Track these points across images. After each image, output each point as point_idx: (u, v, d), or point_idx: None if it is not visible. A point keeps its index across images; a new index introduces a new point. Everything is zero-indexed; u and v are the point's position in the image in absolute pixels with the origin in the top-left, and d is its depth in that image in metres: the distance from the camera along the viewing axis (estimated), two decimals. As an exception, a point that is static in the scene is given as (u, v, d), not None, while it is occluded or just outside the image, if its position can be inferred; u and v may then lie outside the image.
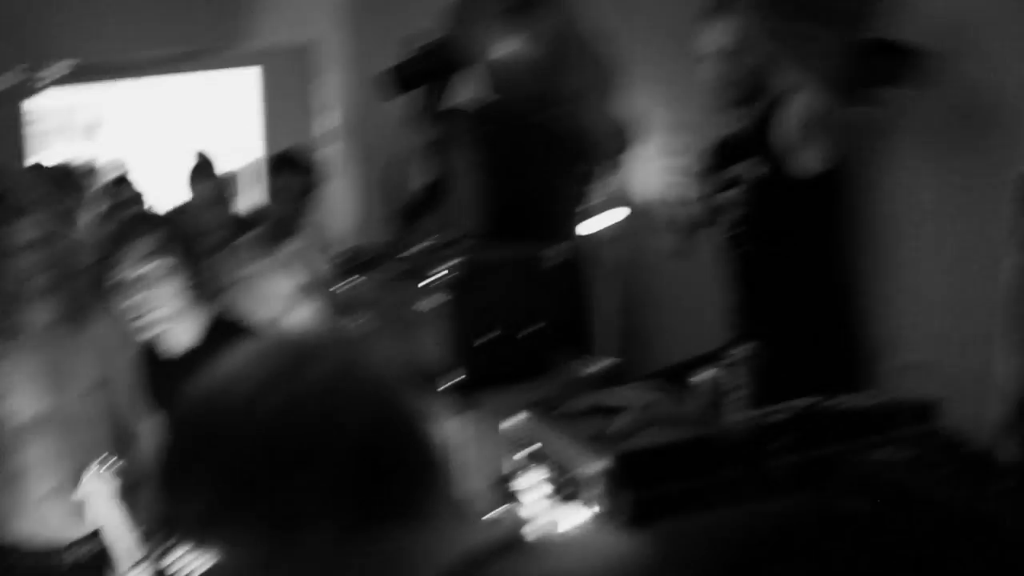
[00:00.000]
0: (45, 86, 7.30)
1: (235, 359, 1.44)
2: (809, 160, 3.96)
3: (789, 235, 4.06)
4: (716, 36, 4.01)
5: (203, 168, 5.27)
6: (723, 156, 4.28)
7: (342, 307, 4.62)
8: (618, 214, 5.31)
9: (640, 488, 3.20)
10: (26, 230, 4.43)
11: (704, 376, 3.77)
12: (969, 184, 3.87)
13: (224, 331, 3.75)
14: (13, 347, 4.39)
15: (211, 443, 1.39)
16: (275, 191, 5.64)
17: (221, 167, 6.02)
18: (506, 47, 5.10)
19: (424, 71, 4.93)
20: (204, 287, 3.77)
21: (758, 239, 4.13)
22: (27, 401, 4.35)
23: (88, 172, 7.93)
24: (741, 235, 4.17)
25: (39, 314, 4.38)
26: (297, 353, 1.43)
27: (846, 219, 4.15)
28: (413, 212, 5.14)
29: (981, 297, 3.60)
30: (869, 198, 4.23)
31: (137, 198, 6.11)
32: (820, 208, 4.05)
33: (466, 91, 5.27)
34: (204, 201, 4.67)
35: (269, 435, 1.36)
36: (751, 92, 4.07)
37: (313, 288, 5.37)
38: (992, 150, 3.76)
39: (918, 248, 4.06)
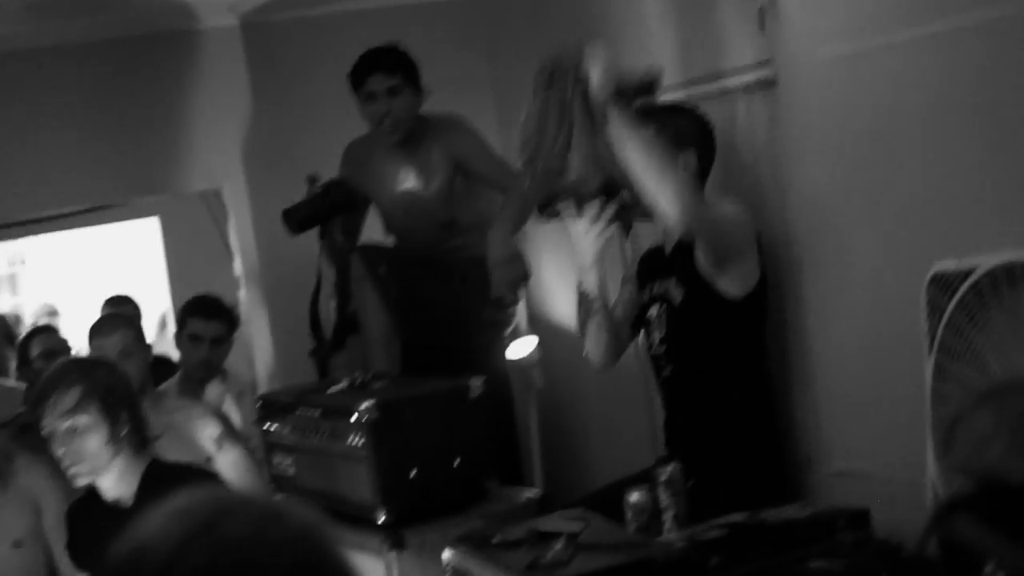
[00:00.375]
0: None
1: (154, 518, 1.41)
2: (727, 285, 4.00)
3: (711, 354, 4.08)
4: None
5: (112, 319, 5.22)
6: (646, 269, 4.30)
7: (266, 450, 4.57)
8: (530, 340, 5.34)
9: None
10: None
11: (635, 498, 3.77)
12: (885, 286, 3.91)
13: (160, 478, 3.71)
14: None
15: None
16: (188, 337, 5.59)
17: (131, 314, 5.97)
18: (400, 182, 5.16)
19: (314, 213, 4.97)
20: (133, 436, 3.74)
21: (680, 359, 4.15)
22: None
23: (14, 321, 7.87)
24: (663, 355, 4.19)
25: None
26: (215, 508, 1.40)
27: (767, 332, 4.18)
28: (326, 352, 5.12)
29: (909, 400, 3.63)
30: (788, 308, 4.28)
31: (63, 346, 6.05)
32: (741, 326, 4.08)
33: (366, 228, 5.30)
34: (121, 350, 4.62)
35: None
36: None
37: (234, 433, 5.31)
38: (904, 247, 3.82)
39: (842, 354, 4.10)
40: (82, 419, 3.66)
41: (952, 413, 2.53)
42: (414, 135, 5.10)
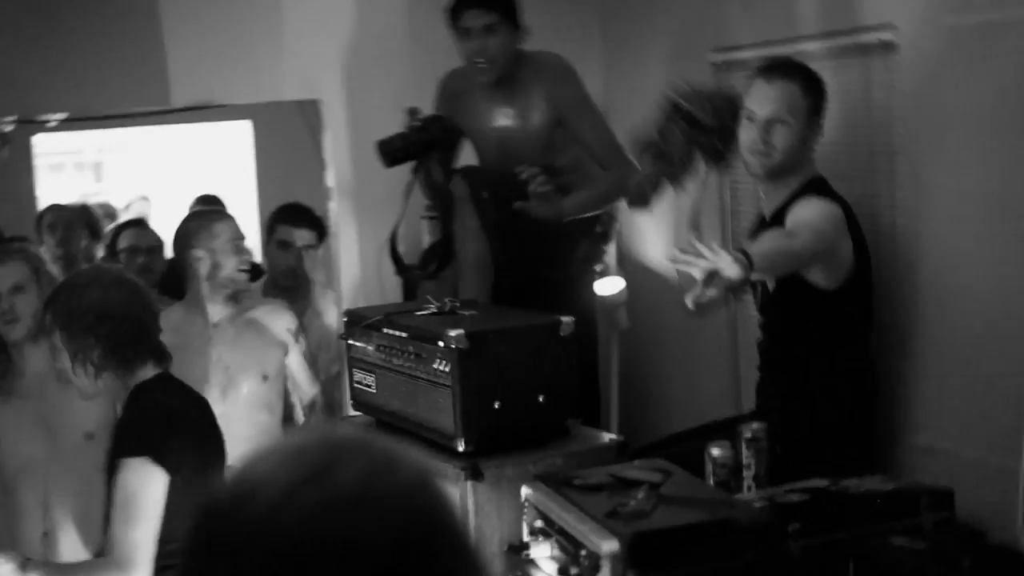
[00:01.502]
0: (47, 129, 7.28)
1: (262, 458, 1.40)
2: (817, 278, 3.96)
3: (806, 339, 4.06)
4: None
5: (7, 250, 5.08)
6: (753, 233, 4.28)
7: (348, 365, 4.58)
8: (618, 280, 5.31)
9: (654, 571, 3.17)
10: (17, 270, 4.41)
11: (717, 452, 3.76)
12: (998, 264, 3.86)
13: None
14: (10, 391, 4.37)
15: (233, 550, 1.34)
16: (277, 243, 5.61)
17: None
18: (495, 120, 5.09)
19: (409, 147, 4.92)
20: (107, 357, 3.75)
21: (774, 337, 4.14)
22: (25, 445, 4.32)
23: (102, 214, 7.93)
24: (761, 325, 4.18)
25: (33, 356, 4.36)
26: (328, 454, 1.38)
27: (872, 311, 4.13)
28: (417, 273, 5.11)
29: (1005, 387, 3.59)
30: (896, 281, 4.23)
31: (155, 241, 6.10)
32: (836, 315, 4.04)
33: (465, 159, 5.27)
34: (13, 284, 4.51)
35: (294, 546, 1.31)
36: None
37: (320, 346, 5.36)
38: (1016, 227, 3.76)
39: (950, 330, 4.05)
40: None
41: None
42: (513, 73, 5.03)
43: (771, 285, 4.05)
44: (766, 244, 3.81)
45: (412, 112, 5.00)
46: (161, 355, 3.78)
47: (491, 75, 4.98)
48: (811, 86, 4.07)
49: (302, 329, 5.14)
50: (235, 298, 4.89)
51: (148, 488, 3.48)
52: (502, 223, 4.92)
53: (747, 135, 4.06)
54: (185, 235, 4.86)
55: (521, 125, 5.07)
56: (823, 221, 3.91)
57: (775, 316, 4.13)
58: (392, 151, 4.93)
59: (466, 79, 5.13)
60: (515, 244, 4.93)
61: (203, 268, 4.79)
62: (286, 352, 5.00)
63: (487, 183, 5.00)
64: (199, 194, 7.46)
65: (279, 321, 5.00)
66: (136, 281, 3.87)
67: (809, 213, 3.93)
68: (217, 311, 4.84)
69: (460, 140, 5.17)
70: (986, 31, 3.83)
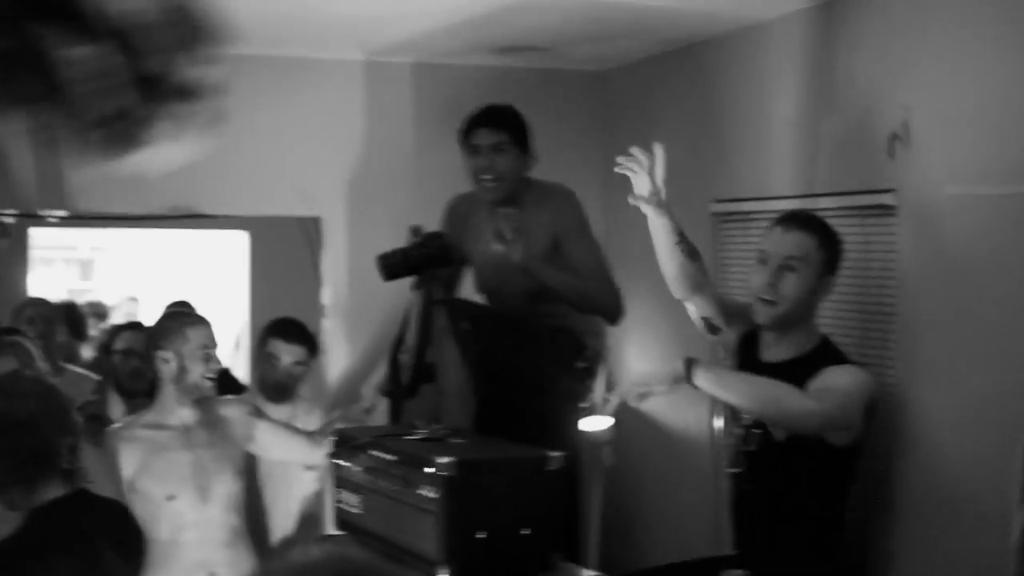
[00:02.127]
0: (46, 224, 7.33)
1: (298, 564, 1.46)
2: (835, 438, 3.97)
3: (802, 490, 4.06)
4: None
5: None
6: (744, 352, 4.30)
7: (335, 484, 4.59)
8: (607, 417, 5.34)
9: None
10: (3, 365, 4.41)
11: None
12: (983, 430, 3.91)
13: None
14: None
15: None
16: (267, 356, 5.62)
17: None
18: (495, 244, 5.15)
19: (408, 262, 4.99)
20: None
21: (764, 484, 4.14)
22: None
23: (90, 310, 7.96)
24: (745, 471, 4.18)
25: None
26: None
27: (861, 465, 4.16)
28: (401, 396, 5.14)
29: (991, 546, 3.63)
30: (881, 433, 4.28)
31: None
32: (840, 468, 4.04)
33: (460, 286, 5.33)
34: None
35: None
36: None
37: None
38: (1007, 398, 3.82)
39: (931, 488, 4.10)
40: None
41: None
42: (518, 197, 5.11)
43: (779, 436, 4.05)
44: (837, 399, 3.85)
45: (415, 230, 5.07)
46: (69, 476, 3.45)
47: (497, 192, 5.06)
48: (828, 242, 4.08)
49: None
50: (201, 403, 4.85)
51: None
52: (482, 355, 4.98)
53: (757, 278, 4.07)
54: (155, 335, 4.86)
55: (522, 252, 5.11)
56: (861, 389, 3.93)
57: (776, 465, 4.10)
58: (391, 265, 4.99)
59: (473, 201, 5.21)
60: (496, 376, 4.98)
61: (168, 371, 4.77)
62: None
63: (468, 314, 5.06)
64: (172, 300, 7.48)
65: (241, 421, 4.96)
66: (50, 392, 3.57)
67: (847, 383, 3.91)
68: (185, 414, 4.81)
69: (461, 261, 5.24)
70: (987, 203, 3.92)
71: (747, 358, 4.25)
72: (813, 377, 3.89)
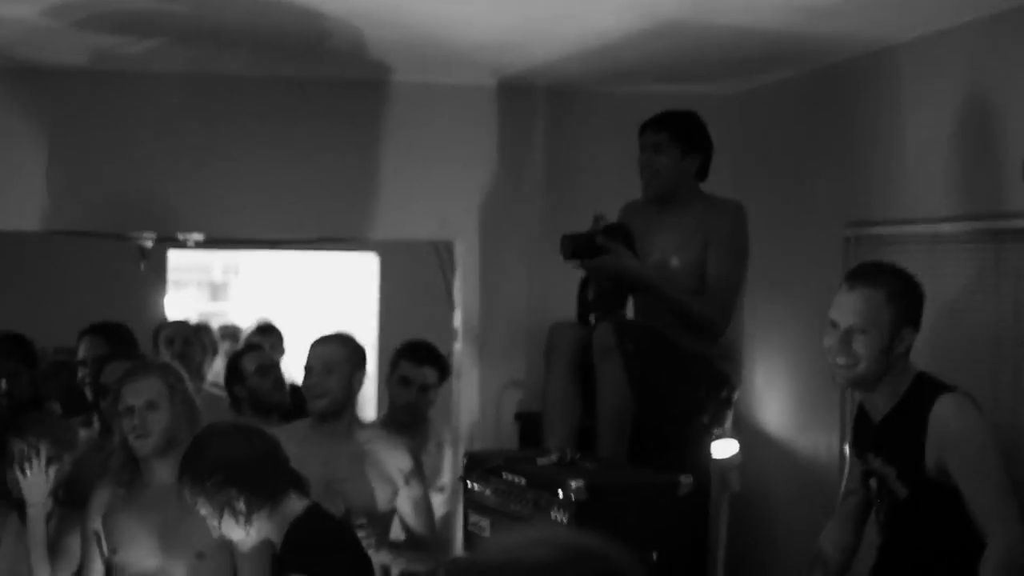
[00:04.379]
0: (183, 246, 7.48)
1: (514, 542, 1.53)
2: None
3: (933, 541, 3.94)
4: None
5: (145, 366, 5.16)
6: (858, 437, 4.21)
7: (465, 506, 4.63)
8: (732, 443, 5.34)
9: None
10: (153, 387, 4.50)
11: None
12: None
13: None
14: (134, 500, 4.45)
15: None
16: (399, 379, 5.68)
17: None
18: (654, 247, 5.11)
19: (589, 244, 4.98)
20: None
21: (897, 540, 4.03)
22: (140, 556, 4.40)
23: (223, 333, 8.09)
24: (882, 523, 4.08)
25: (160, 470, 4.45)
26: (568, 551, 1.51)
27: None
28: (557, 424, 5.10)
29: None
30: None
31: (274, 360, 6.21)
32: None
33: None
34: (147, 400, 4.60)
35: None
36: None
37: (422, 473, 5.36)
38: None
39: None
40: None
41: None
42: (683, 201, 5.10)
43: (902, 494, 3.94)
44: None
45: (598, 218, 5.10)
46: (299, 482, 3.96)
47: (652, 189, 5.09)
48: (898, 292, 3.89)
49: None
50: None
51: None
52: (644, 379, 4.92)
53: (828, 341, 3.92)
54: None
55: (678, 257, 5.07)
56: (989, 442, 3.81)
57: (900, 523, 3.98)
58: (573, 244, 5.00)
59: (639, 210, 5.22)
60: (652, 401, 4.94)
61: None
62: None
63: (632, 336, 4.98)
64: (259, 322, 7.58)
65: (396, 461, 4.98)
66: (247, 424, 4.12)
67: (974, 442, 3.78)
68: None
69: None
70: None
71: (860, 422, 4.17)
72: (923, 419, 3.80)
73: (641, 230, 5.14)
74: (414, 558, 4.67)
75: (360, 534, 4.34)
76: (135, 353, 5.97)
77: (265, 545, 4.02)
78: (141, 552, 4.42)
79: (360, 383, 4.93)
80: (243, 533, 3.88)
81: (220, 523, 3.85)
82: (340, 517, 4.19)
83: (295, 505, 3.91)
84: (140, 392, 4.47)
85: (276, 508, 3.88)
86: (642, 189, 5.14)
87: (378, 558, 4.55)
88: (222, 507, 3.82)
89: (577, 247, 4.99)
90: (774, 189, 6.05)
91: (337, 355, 4.86)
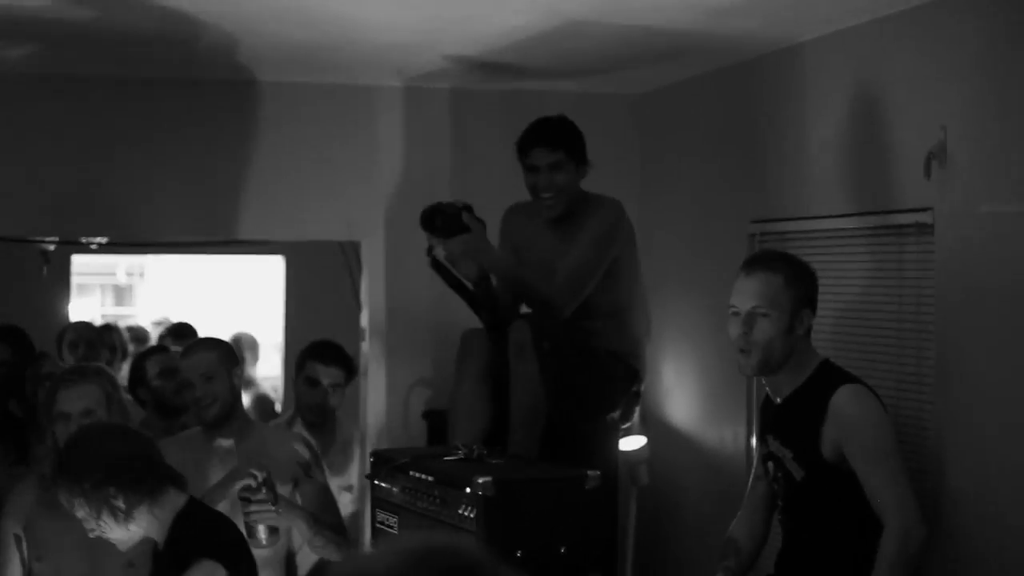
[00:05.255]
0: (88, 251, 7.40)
1: (364, 555, 1.55)
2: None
3: (831, 521, 4.00)
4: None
5: (83, 371, 5.12)
6: (762, 419, 4.28)
7: (372, 504, 4.61)
8: (642, 438, 5.37)
9: None
10: (91, 394, 4.43)
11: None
12: None
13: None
14: (60, 507, 4.37)
15: None
16: (305, 379, 5.66)
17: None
18: (544, 252, 5.09)
19: (461, 223, 4.87)
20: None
21: (796, 522, 4.09)
22: (66, 564, 4.33)
23: (131, 336, 8.00)
24: (785, 510, 4.14)
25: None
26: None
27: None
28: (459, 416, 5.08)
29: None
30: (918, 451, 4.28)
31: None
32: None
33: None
34: (83, 409, 4.54)
35: None
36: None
37: (320, 466, 5.33)
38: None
39: (979, 515, 4.08)
40: None
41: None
42: (572, 211, 5.05)
43: (798, 475, 3.99)
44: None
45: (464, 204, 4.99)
46: (176, 477, 3.89)
47: (556, 210, 4.98)
48: (795, 275, 3.99)
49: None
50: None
51: None
52: (558, 376, 4.91)
53: (731, 330, 4.01)
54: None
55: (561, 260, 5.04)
56: (887, 430, 3.91)
57: (797, 505, 4.06)
58: (444, 219, 4.87)
59: (528, 213, 5.14)
60: (568, 397, 4.93)
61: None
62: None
63: (548, 334, 4.96)
64: (174, 324, 7.52)
65: (294, 455, 4.95)
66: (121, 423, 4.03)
67: (868, 430, 3.88)
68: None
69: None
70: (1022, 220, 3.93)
71: (764, 405, 4.25)
72: (822, 406, 3.89)
73: (535, 237, 5.10)
74: (331, 539, 4.61)
75: (258, 496, 4.31)
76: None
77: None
78: (68, 561, 4.34)
79: (240, 379, 4.93)
80: (124, 532, 3.79)
81: (99, 524, 3.77)
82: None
83: (176, 500, 3.84)
84: (77, 399, 4.39)
85: (155, 504, 3.79)
86: (544, 209, 5.03)
87: (286, 521, 4.50)
88: (100, 506, 3.73)
89: (447, 220, 4.86)
90: (680, 187, 6.10)
91: (211, 360, 4.82)
